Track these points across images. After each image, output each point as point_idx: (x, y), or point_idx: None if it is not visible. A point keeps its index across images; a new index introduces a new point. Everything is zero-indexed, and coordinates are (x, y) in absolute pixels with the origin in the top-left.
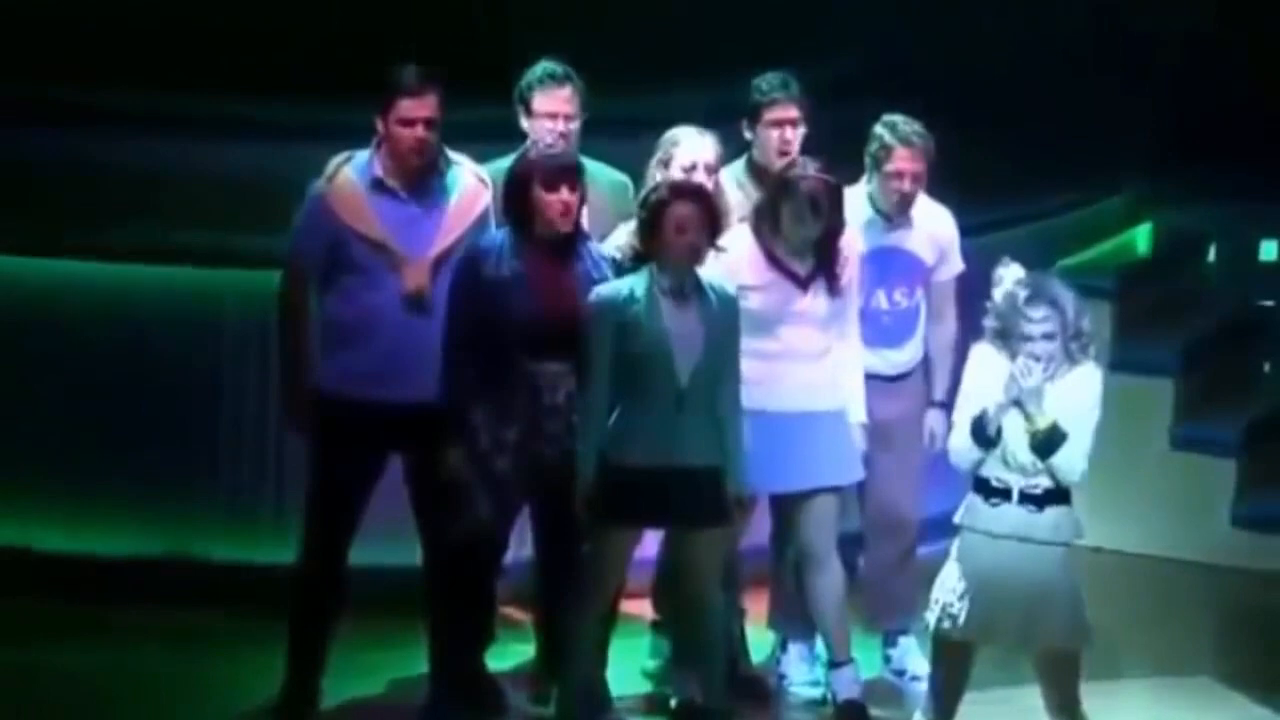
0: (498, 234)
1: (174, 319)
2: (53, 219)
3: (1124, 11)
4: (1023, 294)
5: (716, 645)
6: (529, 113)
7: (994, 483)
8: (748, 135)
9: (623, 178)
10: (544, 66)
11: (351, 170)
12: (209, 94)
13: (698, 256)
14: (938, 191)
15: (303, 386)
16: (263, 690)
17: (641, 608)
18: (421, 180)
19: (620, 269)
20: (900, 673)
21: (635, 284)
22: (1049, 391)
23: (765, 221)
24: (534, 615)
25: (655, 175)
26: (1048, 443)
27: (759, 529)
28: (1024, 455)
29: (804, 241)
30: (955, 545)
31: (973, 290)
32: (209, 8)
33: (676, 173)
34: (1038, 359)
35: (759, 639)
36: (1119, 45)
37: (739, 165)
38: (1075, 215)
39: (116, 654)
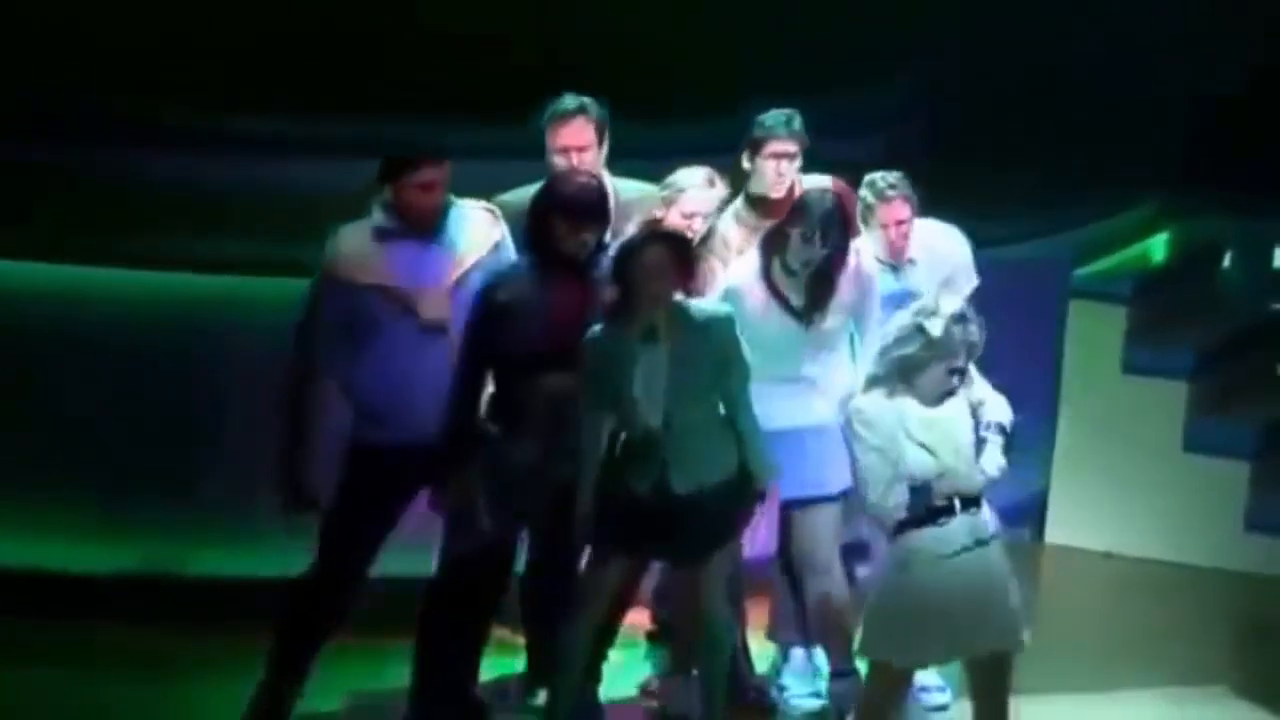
0: (512, 259)
1: (151, 335)
2: (22, 225)
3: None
4: (979, 335)
5: (720, 661)
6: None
7: (938, 503)
8: (746, 166)
9: (652, 188)
10: (557, 101)
11: (350, 233)
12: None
13: (667, 303)
14: (971, 205)
15: (305, 474)
16: (235, 707)
17: (638, 619)
18: (430, 224)
19: None
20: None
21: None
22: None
23: (772, 246)
24: (524, 633)
25: (655, 214)
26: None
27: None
28: (964, 466)
29: (805, 265)
30: (890, 574)
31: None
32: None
33: (676, 218)
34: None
35: (762, 650)
36: (1140, 62)
37: (737, 201)
38: (1097, 226)
39: (89, 671)
